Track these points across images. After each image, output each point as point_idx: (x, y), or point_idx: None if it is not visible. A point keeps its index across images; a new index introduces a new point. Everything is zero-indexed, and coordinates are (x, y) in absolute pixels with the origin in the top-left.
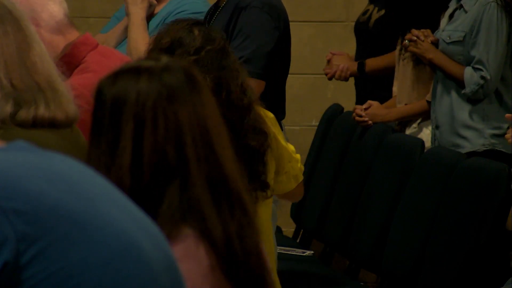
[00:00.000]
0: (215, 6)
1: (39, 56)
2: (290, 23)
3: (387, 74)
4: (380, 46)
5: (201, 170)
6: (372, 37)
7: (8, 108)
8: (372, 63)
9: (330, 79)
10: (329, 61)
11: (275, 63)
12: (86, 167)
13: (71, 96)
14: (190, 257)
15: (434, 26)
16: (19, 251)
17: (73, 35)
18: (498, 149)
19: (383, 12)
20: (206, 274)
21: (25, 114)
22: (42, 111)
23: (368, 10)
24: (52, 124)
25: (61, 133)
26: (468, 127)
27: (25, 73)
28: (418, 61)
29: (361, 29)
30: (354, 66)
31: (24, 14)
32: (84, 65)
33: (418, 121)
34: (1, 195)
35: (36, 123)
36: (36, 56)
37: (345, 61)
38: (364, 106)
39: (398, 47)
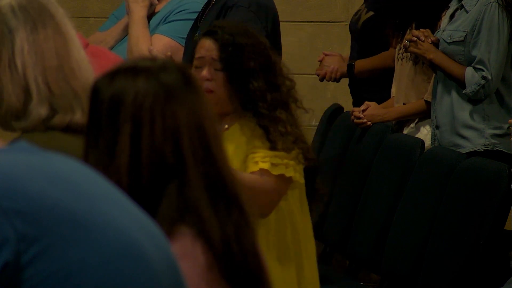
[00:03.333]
0: (207, 3)
1: (78, 62)
2: (290, 23)
3: (376, 75)
4: (367, 47)
5: (198, 170)
6: (360, 37)
7: (43, 112)
8: (361, 64)
9: (321, 80)
10: (321, 62)
11: None
12: (87, 167)
13: None
14: (186, 255)
15: (432, 26)
16: (20, 251)
17: None
18: (499, 149)
19: (371, 13)
20: (203, 273)
21: (61, 119)
22: (78, 117)
23: (360, 10)
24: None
25: None
26: (469, 127)
27: (62, 78)
28: (416, 60)
29: (352, 29)
30: (344, 67)
31: (65, 18)
32: None
33: (416, 120)
34: (1, 195)
35: (70, 129)
36: (74, 61)
37: (336, 62)
38: (362, 107)
39: (397, 47)
